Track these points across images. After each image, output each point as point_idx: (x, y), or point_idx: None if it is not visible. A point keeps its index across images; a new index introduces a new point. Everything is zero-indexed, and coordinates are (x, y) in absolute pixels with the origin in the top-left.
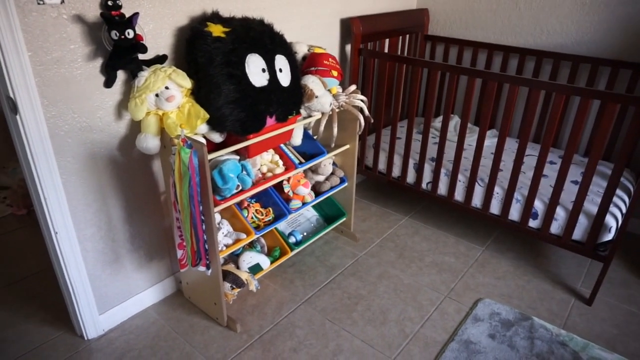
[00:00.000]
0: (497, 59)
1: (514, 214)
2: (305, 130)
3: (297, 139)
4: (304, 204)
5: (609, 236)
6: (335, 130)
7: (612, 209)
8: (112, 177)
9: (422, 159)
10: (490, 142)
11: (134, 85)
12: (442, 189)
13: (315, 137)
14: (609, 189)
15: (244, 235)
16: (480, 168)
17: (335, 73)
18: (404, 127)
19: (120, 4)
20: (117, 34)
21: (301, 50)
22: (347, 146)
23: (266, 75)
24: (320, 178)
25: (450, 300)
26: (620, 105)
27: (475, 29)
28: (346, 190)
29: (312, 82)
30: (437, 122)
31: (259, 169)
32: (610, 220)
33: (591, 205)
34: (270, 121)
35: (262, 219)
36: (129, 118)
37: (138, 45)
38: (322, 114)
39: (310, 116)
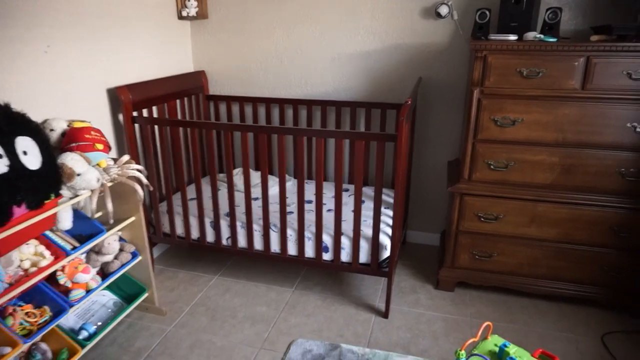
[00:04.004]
0: (275, 110)
1: (309, 251)
2: (78, 210)
3: (65, 223)
4: (89, 291)
5: (386, 253)
6: (110, 205)
7: (385, 228)
8: None
9: (217, 216)
10: (276, 189)
11: None
12: (242, 241)
13: (90, 216)
14: (375, 213)
15: (8, 349)
16: (272, 214)
17: (100, 146)
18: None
19: None
20: None
21: (59, 127)
22: (132, 218)
23: (4, 161)
24: (108, 258)
25: (265, 351)
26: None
27: (252, 86)
28: (142, 264)
29: (71, 159)
30: (225, 178)
31: (18, 266)
32: (384, 239)
33: (367, 229)
34: (19, 210)
35: (35, 321)
36: None
37: None
38: (92, 191)
39: (77, 195)
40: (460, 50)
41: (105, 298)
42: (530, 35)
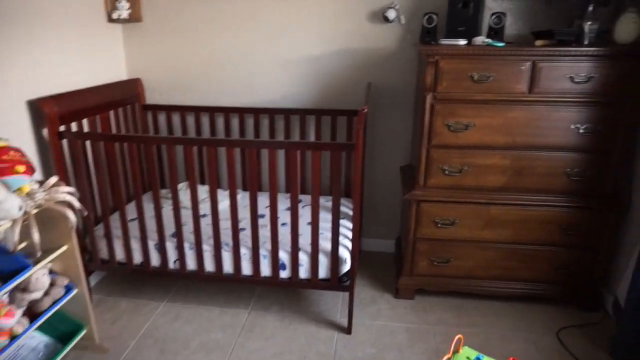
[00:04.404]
0: (220, 119)
1: (265, 270)
2: None
3: None
4: (14, 338)
5: (347, 267)
6: (37, 236)
7: (343, 240)
8: None
9: (162, 238)
10: (226, 203)
11: None
12: (191, 264)
13: (12, 249)
14: (333, 225)
15: None
16: (223, 232)
17: (21, 168)
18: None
19: None
20: None
21: None
22: (64, 247)
23: None
24: (36, 295)
25: None
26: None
27: (193, 94)
28: (78, 297)
29: None
30: (168, 193)
31: None
32: (343, 252)
33: (326, 242)
34: None
35: None
36: None
37: None
38: (12, 221)
39: None
40: (408, 55)
41: (35, 340)
42: (479, 40)
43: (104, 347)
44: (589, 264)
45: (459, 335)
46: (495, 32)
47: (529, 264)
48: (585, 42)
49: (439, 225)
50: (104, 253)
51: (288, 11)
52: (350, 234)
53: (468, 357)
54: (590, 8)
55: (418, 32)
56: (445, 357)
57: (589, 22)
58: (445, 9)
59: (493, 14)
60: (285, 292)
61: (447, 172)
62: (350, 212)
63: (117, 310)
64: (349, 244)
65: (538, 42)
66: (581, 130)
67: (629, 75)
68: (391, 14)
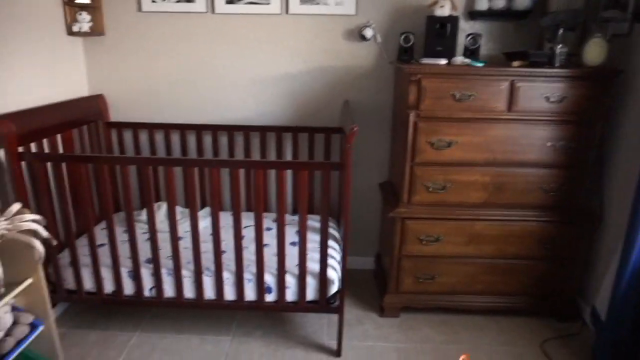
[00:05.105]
0: (192, 137)
1: (250, 294)
2: None
3: None
4: None
5: (335, 288)
6: (0, 270)
7: (330, 261)
8: None
9: (137, 264)
10: (206, 222)
11: None
12: (169, 290)
13: None
14: (322, 246)
15: None
16: (204, 255)
17: None
18: (105, 230)
19: None
20: None
21: None
22: (29, 281)
23: None
24: None
25: None
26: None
27: (162, 111)
28: (45, 335)
29: None
30: (144, 215)
31: None
32: (332, 274)
33: (313, 263)
34: None
35: None
36: None
37: None
38: None
39: None
40: (385, 73)
41: None
42: (458, 59)
43: None
44: (566, 276)
45: (463, 356)
46: (472, 52)
47: (510, 278)
48: (556, 65)
49: (424, 242)
50: (69, 283)
51: (262, 28)
52: (335, 254)
53: None
54: (560, 31)
55: (394, 50)
56: None
57: (560, 45)
58: (420, 28)
59: (468, 35)
60: (266, 316)
61: (430, 189)
62: (333, 232)
63: (85, 344)
64: (335, 264)
65: (515, 63)
66: (556, 147)
67: (598, 96)
68: (368, 33)
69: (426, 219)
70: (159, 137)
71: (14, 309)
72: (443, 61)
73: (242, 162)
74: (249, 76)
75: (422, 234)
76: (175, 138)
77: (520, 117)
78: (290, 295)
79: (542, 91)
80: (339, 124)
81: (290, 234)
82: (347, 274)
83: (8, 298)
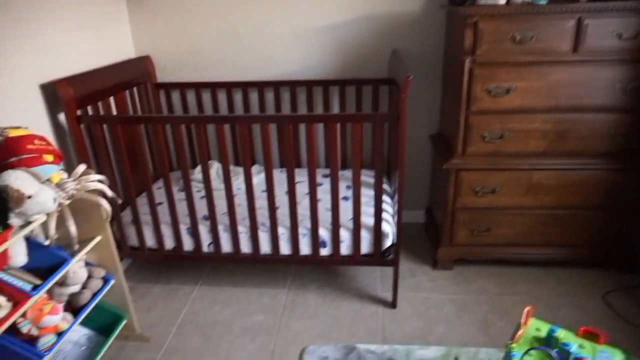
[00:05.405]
0: (238, 95)
1: (305, 248)
2: (32, 240)
3: (19, 258)
4: (61, 334)
5: (389, 241)
6: (73, 228)
7: (384, 215)
8: None
9: (195, 221)
10: (258, 179)
11: None
12: (226, 246)
13: (49, 244)
14: (376, 201)
15: None
16: (258, 212)
17: (49, 157)
18: (162, 189)
19: None
20: None
21: None
22: (98, 238)
23: None
24: (75, 289)
25: None
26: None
27: (208, 69)
28: (116, 288)
29: (15, 178)
30: (197, 174)
31: None
32: (386, 227)
33: (367, 217)
34: None
35: None
36: None
37: None
38: (48, 214)
39: (29, 222)
40: (435, 19)
41: (77, 334)
42: None
43: (145, 336)
44: (630, 226)
45: (528, 307)
46: None
47: (570, 229)
48: None
49: (479, 194)
50: (133, 240)
51: None
52: (388, 208)
53: (538, 329)
54: None
55: None
56: (521, 331)
57: None
58: None
59: None
60: (321, 270)
61: (487, 139)
62: (384, 186)
63: (151, 297)
64: (389, 218)
65: None
66: (627, 89)
67: None
68: None
69: (482, 170)
70: (206, 96)
71: (87, 264)
72: (502, 0)
73: (297, 116)
74: (292, 30)
75: (478, 185)
76: (222, 97)
77: (586, 58)
78: (345, 249)
79: (613, 28)
80: (387, 74)
81: (341, 189)
82: (402, 227)
83: (82, 254)
